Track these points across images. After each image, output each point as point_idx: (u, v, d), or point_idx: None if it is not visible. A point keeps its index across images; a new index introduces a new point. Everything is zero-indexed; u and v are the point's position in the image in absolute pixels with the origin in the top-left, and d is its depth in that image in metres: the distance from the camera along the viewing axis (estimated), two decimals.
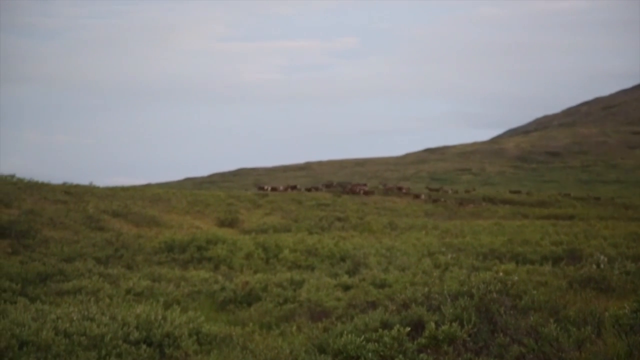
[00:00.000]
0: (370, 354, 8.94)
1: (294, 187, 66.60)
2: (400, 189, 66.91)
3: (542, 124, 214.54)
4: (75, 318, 13.74)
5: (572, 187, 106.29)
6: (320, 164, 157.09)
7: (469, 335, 9.75)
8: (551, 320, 9.68)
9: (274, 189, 63.07)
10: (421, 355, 9.02)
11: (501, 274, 12.92)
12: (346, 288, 20.67)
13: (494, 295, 10.94)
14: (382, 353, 8.96)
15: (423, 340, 9.43)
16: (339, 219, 45.56)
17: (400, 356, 8.90)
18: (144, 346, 12.96)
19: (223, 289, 20.94)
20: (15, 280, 20.87)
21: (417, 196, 64.60)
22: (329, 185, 68.46)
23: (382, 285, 20.76)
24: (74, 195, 42.86)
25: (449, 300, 11.58)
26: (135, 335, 13.32)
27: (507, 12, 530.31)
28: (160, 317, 14.26)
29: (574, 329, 9.45)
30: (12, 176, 45.43)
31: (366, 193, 62.92)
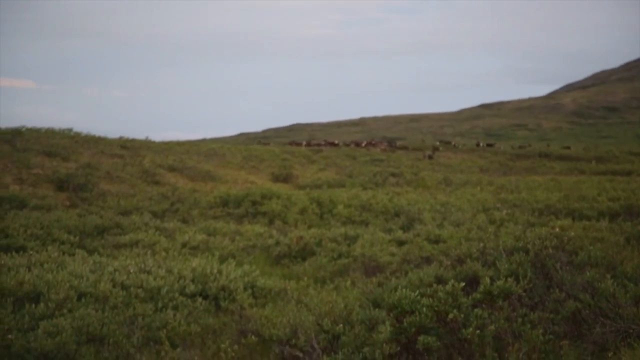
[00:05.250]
0: (424, 309, 8.93)
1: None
2: None
3: (600, 79, 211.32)
4: (132, 271, 13.93)
5: (631, 142, 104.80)
6: (375, 119, 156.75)
7: (524, 291, 9.70)
8: (608, 276, 9.58)
9: (331, 144, 62.90)
10: (476, 310, 8.98)
11: (557, 229, 12.78)
12: (400, 243, 20.66)
13: (550, 250, 10.85)
14: (436, 308, 8.95)
15: (478, 296, 9.40)
16: (393, 175, 45.50)
17: (455, 311, 8.87)
18: (199, 299, 13.09)
19: (277, 243, 21.06)
20: (73, 232, 21.21)
21: None
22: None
23: (436, 240, 20.71)
24: (130, 149, 43.28)
25: (504, 255, 11.52)
26: (191, 288, 13.47)
27: None
28: (215, 270, 14.41)
29: (631, 285, 9.36)
30: (70, 130, 45.94)
31: None
